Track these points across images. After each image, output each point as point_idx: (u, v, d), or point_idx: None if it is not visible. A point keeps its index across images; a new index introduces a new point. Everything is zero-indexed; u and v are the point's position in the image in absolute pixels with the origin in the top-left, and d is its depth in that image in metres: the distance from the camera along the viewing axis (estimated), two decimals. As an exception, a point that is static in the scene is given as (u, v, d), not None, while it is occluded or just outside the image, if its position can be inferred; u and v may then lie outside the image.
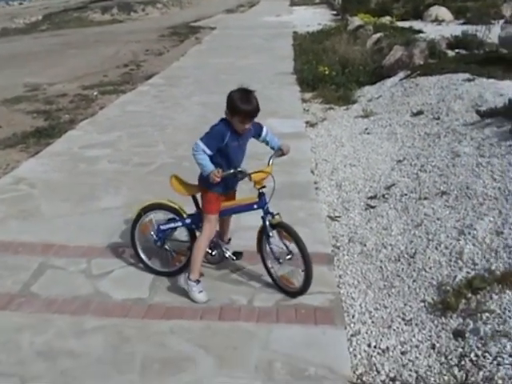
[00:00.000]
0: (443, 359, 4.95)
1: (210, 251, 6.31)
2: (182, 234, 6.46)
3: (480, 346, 4.91)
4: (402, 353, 5.13)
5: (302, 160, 9.89)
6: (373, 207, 8.05)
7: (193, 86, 17.31)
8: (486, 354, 4.78)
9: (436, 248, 6.55)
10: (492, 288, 5.54)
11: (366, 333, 5.48)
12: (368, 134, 11.32)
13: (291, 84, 16.97)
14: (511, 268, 5.68)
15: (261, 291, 6.13)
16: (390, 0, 36.28)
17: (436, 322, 5.43)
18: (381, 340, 5.34)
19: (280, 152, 6.04)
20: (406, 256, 6.63)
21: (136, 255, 6.61)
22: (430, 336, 5.27)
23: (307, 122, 12.67)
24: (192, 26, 37.54)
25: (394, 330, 5.46)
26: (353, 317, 5.74)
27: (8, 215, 8.09)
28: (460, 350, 4.98)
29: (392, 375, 4.87)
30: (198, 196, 6.11)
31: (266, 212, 5.88)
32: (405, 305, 5.80)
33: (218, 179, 5.52)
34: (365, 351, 5.23)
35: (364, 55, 18.20)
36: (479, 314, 5.26)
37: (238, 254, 6.41)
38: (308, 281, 5.82)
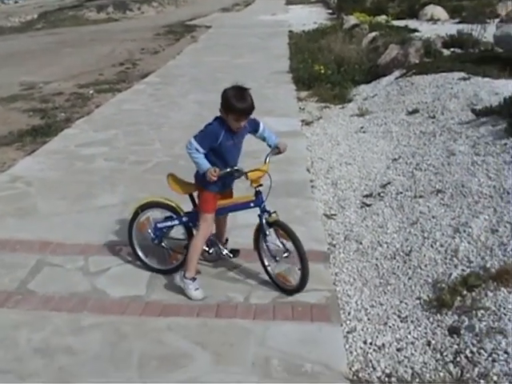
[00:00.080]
0: (439, 356, 4.99)
1: (207, 249, 6.32)
2: (179, 231, 6.47)
3: (475, 342, 4.95)
4: (398, 349, 5.16)
5: (297, 158, 9.91)
6: (368, 205, 8.08)
7: (189, 85, 17.31)
8: (481, 351, 4.83)
9: (431, 246, 6.59)
10: (487, 285, 5.58)
11: (362, 330, 5.51)
12: (364, 132, 11.34)
13: (287, 83, 16.98)
14: (506, 265, 5.71)
15: (257, 289, 6.15)
16: (386, -1, 36.36)
17: (431, 319, 5.47)
18: (377, 337, 5.38)
19: (277, 150, 6.03)
20: (401, 254, 6.66)
21: (133, 253, 6.63)
22: (426, 333, 5.31)
23: (303, 121, 12.69)
24: (188, 24, 37.49)
25: (390, 326, 5.50)
26: (349, 314, 5.77)
27: (5, 213, 8.10)
28: (455, 346, 5.02)
29: (388, 372, 4.90)
30: (195, 194, 6.13)
31: (263, 210, 5.89)
32: (400, 302, 5.83)
33: (215, 178, 5.53)
34: (361, 348, 5.26)
35: (359, 54, 18.23)
36: (474, 311, 5.30)
37: (234, 252, 6.44)
38: (304, 279, 5.84)
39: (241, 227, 6.93)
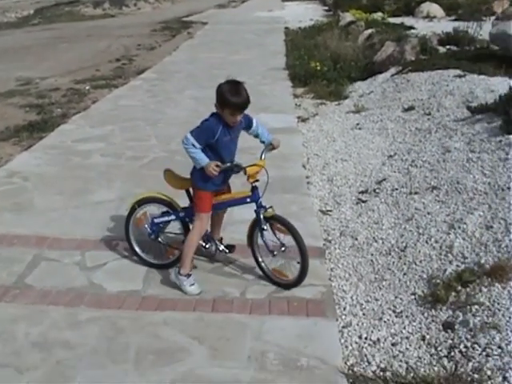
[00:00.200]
0: (433, 350, 5.03)
1: (203, 244, 6.34)
2: (175, 227, 6.51)
3: (469, 337, 4.99)
4: (393, 344, 5.20)
5: (293, 155, 9.95)
6: (364, 201, 8.11)
7: (185, 81, 17.33)
8: (475, 346, 4.87)
9: (426, 242, 6.62)
10: (481, 281, 5.62)
11: (357, 325, 5.54)
12: (359, 129, 11.37)
13: (283, 79, 16.99)
14: (500, 261, 5.75)
15: (253, 283, 6.18)
16: (382, -4, 36.38)
17: (426, 314, 5.50)
18: (372, 332, 5.41)
19: (271, 146, 6.07)
20: (396, 250, 6.70)
21: (130, 248, 6.66)
22: (420, 328, 5.35)
23: (299, 117, 12.72)
24: (184, 20, 37.49)
25: (385, 321, 5.53)
26: (344, 309, 5.81)
27: (2, 208, 8.12)
28: (450, 341, 5.06)
29: (383, 366, 4.93)
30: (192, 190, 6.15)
31: (260, 206, 5.91)
32: (395, 297, 5.86)
33: (216, 173, 5.57)
34: (356, 342, 5.30)
35: (355, 51, 18.26)
36: (469, 307, 5.34)
37: (230, 247, 6.47)
38: (304, 272, 5.88)
39: (237, 223, 6.96)
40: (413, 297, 5.80)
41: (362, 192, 8.42)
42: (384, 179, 8.58)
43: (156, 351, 5.11)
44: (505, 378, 4.45)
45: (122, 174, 9.36)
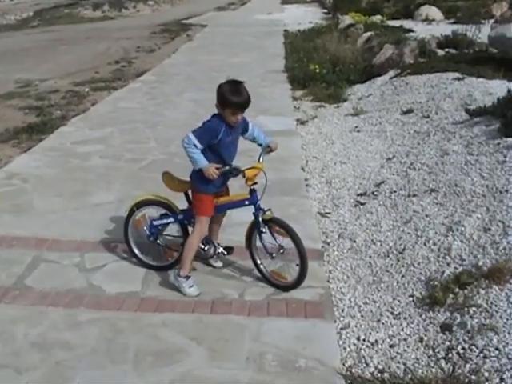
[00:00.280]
0: (431, 352, 5.05)
1: (202, 246, 6.34)
2: (174, 229, 6.54)
3: (467, 339, 5.01)
4: (391, 346, 5.22)
5: (292, 157, 9.97)
6: (362, 204, 8.13)
7: (184, 83, 17.35)
8: (473, 347, 4.89)
9: (424, 244, 6.64)
10: (479, 283, 5.64)
11: (356, 326, 5.57)
12: (358, 131, 11.40)
13: (282, 82, 17.02)
14: (498, 264, 5.76)
15: (252, 285, 6.21)
16: (381, -1, 36.42)
17: (424, 316, 5.52)
18: (370, 333, 5.43)
19: (268, 149, 6.10)
20: (394, 252, 6.72)
21: (129, 250, 6.68)
22: (418, 330, 5.37)
23: (298, 120, 12.74)
24: (183, 23, 37.51)
25: (383, 323, 5.55)
26: (342, 311, 5.83)
27: (1, 210, 8.13)
28: (447, 343, 5.08)
29: (380, 367, 4.96)
30: (190, 192, 6.17)
31: (258, 208, 5.93)
32: (393, 299, 5.89)
33: (216, 176, 5.58)
34: (354, 344, 5.32)
35: (355, 54, 18.28)
36: (466, 309, 5.36)
37: (229, 249, 6.47)
38: (303, 274, 5.90)
39: (235, 225, 6.97)
40: (411, 299, 5.82)
41: (361, 194, 8.44)
42: (382, 182, 8.60)
43: (155, 352, 5.13)
44: (502, 380, 4.46)
45: (121, 176, 9.38)
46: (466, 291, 5.60)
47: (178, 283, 6.04)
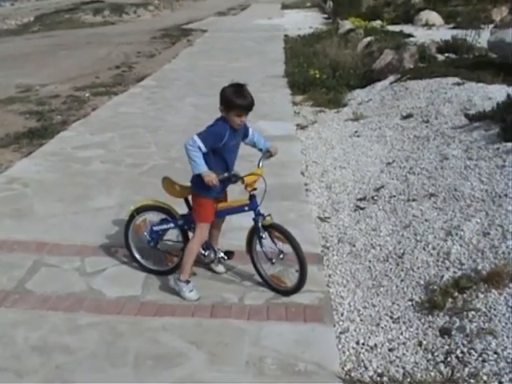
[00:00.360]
0: (430, 356, 5.06)
1: (202, 251, 6.36)
2: (174, 234, 6.55)
3: (466, 343, 5.02)
4: (390, 350, 5.23)
5: (292, 162, 9.99)
6: (362, 208, 8.15)
7: (185, 88, 17.38)
8: (472, 351, 4.90)
9: (424, 248, 6.66)
10: (478, 287, 5.66)
11: (355, 330, 5.58)
12: (358, 136, 11.42)
13: (282, 87, 17.05)
14: (497, 268, 5.78)
15: (251, 290, 6.22)
16: (381, 4, 36.54)
17: (423, 320, 5.54)
18: (369, 337, 5.45)
19: (268, 154, 6.11)
20: (394, 256, 6.73)
21: (130, 255, 6.70)
22: (417, 333, 5.38)
23: (298, 125, 12.76)
24: (183, 28, 37.58)
25: (382, 327, 5.57)
26: (342, 315, 5.84)
27: (2, 214, 8.16)
28: (446, 347, 5.10)
29: (380, 371, 4.97)
30: (191, 197, 6.18)
31: (258, 214, 5.94)
32: (393, 303, 5.90)
33: (216, 183, 5.60)
34: (353, 348, 5.33)
35: (354, 59, 18.30)
36: (465, 313, 5.37)
37: (229, 254, 6.47)
38: (303, 280, 5.92)
39: (235, 229, 6.99)
40: (410, 303, 5.84)
41: (360, 199, 8.46)
42: (382, 186, 8.62)
43: (155, 356, 5.15)
44: (500, 383, 4.48)
45: (122, 181, 9.40)
46: (465, 295, 5.62)
47: (178, 287, 6.06)
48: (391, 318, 5.69)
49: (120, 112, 14.48)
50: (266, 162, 6.09)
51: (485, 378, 4.59)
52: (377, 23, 27.55)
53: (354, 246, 7.19)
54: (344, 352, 5.28)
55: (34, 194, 8.88)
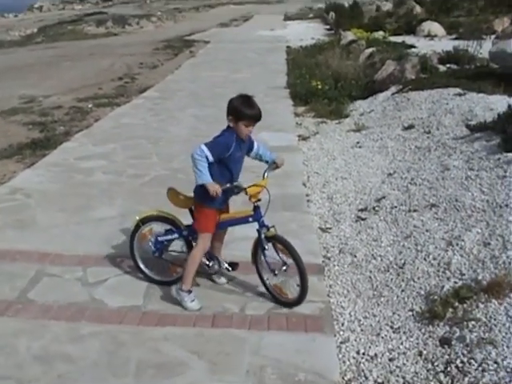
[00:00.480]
0: (430, 366, 5.07)
1: (207, 262, 6.39)
2: (179, 245, 6.56)
3: (466, 352, 5.03)
4: (390, 359, 5.25)
5: (294, 173, 10.00)
6: (363, 219, 8.17)
7: (187, 99, 17.40)
8: (472, 361, 4.91)
9: (424, 259, 6.68)
10: (478, 297, 5.66)
11: (355, 340, 5.60)
12: (359, 147, 11.45)
13: (284, 98, 17.07)
14: (497, 278, 5.79)
15: (253, 300, 6.24)
16: (383, 15, 36.63)
17: (423, 330, 5.55)
18: (369, 347, 5.46)
19: (274, 165, 6.15)
20: (395, 266, 6.75)
21: (135, 265, 6.72)
22: (418, 343, 5.40)
23: (300, 136, 12.78)
24: (186, 39, 37.62)
25: (383, 337, 5.58)
26: (342, 325, 5.86)
27: (5, 224, 8.19)
28: (446, 356, 5.11)
29: (380, 381, 4.99)
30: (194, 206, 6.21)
31: (262, 225, 5.96)
32: (393, 313, 5.92)
33: (220, 193, 5.62)
34: (353, 358, 5.35)
35: (356, 70, 18.32)
36: (465, 323, 5.38)
37: (234, 265, 6.48)
38: (304, 292, 5.92)
39: (238, 240, 7.03)
40: (410, 313, 5.85)
41: (362, 210, 8.48)
42: (383, 197, 8.64)
43: (156, 365, 5.17)
44: (500, 393, 4.50)
45: (124, 192, 9.43)
46: (465, 305, 5.63)
47: (180, 297, 6.08)
48: (391, 327, 5.70)
49: (122, 123, 14.52)
50: (269, 173, 6.11)
51: (485, 387, 4.61)
52: (379, 34, 27.63)
53: (355, 256, 7.20)
54: (344, 362, 5.30)
55: (37, 205, 8.92)
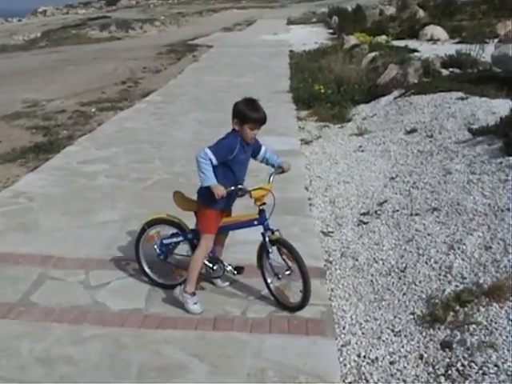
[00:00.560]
0: (430, 369, 5.08)
1: (210, 265, 6.39)
2: (184, 248, 6.58)
3: (466, 356, 5.03)
4: (391, 363, 5.25)
5: (296, 177, 9.96)
6: (365, 223, 8.17)
7: (190, 104, 17.43)
8: (472, 364, 4.91)
9: (426, 262, 6.68)
10: (479, 301, 5.67)
11: (356, 343, 5.60)
12: (362, 151, 11.46)
13: (287, 102, 17.09)
14: (498, 282, 5.80)
15: (254, 303, 6.24)
16: (386, 19, 36.68)
17: (424, 333, 5.55)
18: (370, 350, 5.47)
19: (280, 170, 6.16)
20: (396, 270, 6.76)
21: (140, 268, 6.73)
22: (418, 347, 5.40)
23: (302, 140, 12.80)
24: (189, 43, 37.73)
25: (384, 340, 5.58)
26: (343, 328, 5.87)
27: (8, 227, 8.21)
28: (447, 360, 5.11)
29: (380, 384, 5.01)
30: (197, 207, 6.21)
31: (266, 228, 5.97)
32: (394, 317, 5.92)
33: (224, 195, 5.64)
34: (354, 361, 5.35)
35: (359, 74, 18.33)
36: (466, 326, 5.38)
37: (240, 269, 6.45)
38: (306, 297, 5.92)
39: (240, 243, 7.04)
40: (411, 316, 5.86)
41: (364, 214, 8.49)
42: (385, 201, 8.65)
43: (157, 368, 5.18)
44: (501, 396, 4.51)
45: (126, 196, 9.45)
46: (466, 309, 5.63)
47: (183, 299, 6.07)
48: (392, 331, 5.71)
49: (125, 127, 14.55)
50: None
51: (485, 390, 4.62)
52: (382, 38, 27.67)
53: (357, 260, 7.21)
54: (345, 365, 5.31)
55: (40, 208, 8.94)
